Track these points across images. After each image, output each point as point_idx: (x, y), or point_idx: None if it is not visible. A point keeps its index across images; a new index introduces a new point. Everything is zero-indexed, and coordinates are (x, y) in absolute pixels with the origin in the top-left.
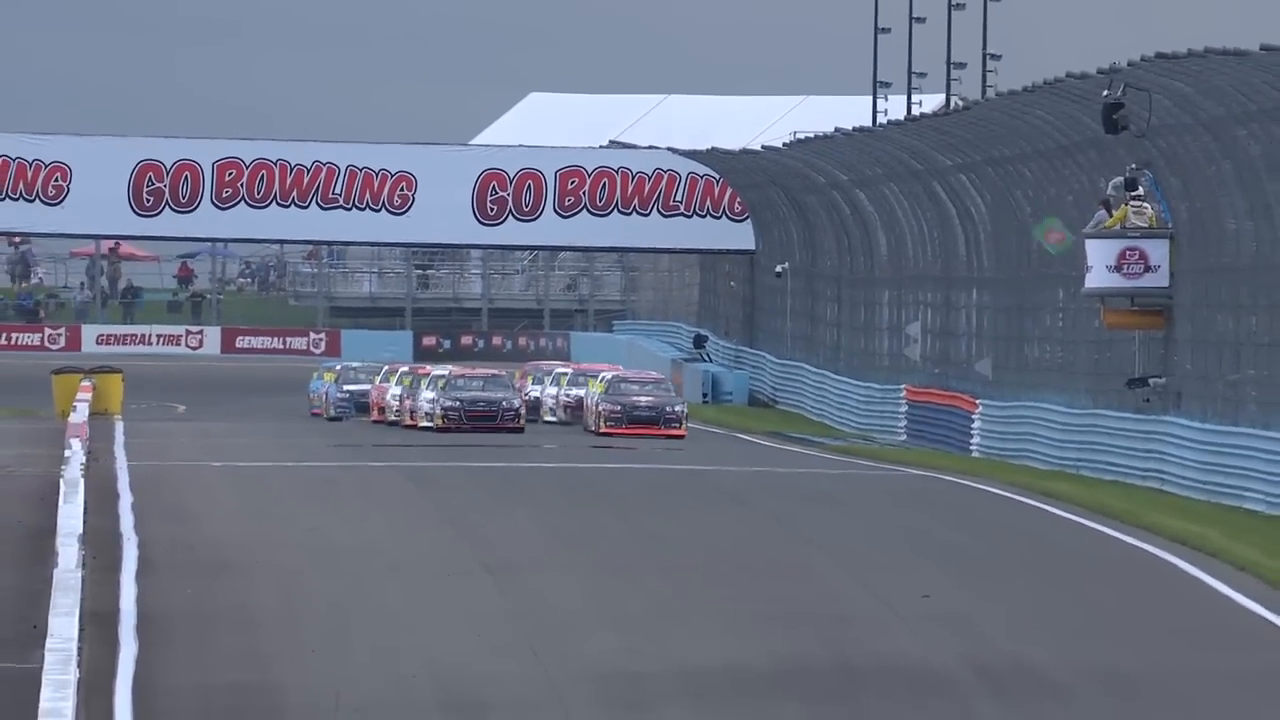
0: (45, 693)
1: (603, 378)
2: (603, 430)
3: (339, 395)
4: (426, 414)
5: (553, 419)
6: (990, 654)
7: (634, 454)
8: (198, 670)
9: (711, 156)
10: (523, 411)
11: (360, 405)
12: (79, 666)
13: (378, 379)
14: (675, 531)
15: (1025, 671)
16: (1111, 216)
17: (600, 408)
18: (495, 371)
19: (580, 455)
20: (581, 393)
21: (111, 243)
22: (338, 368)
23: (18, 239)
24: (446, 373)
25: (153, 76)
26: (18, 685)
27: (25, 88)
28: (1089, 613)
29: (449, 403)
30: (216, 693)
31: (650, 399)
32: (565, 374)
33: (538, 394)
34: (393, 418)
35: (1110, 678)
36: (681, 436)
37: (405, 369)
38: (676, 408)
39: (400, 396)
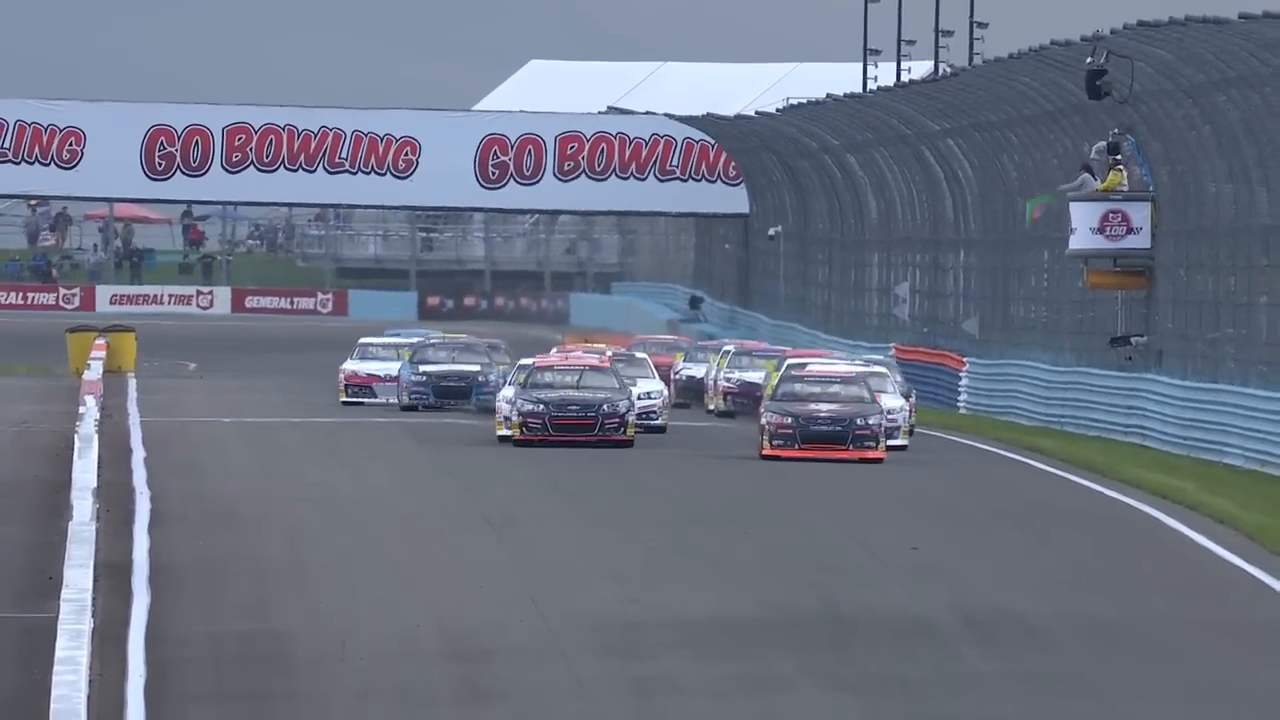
0: (61, 641)
1: (776, 367)
2: (768, 451)
3: (414, 378)
4: (504, 418)
5: (713, 409)
6: (976, 604)
7: None
8: (208, 619)
9: (707, 122)
10: (631, 418)
11: (441, 391)
12: (93, 616)
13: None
14: (671, 486)
15: (1010, 621)
16: (1095, 179)
17: (766, 419)
18: (594, 361)
19: None
20: (748, 376)
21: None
22: (427, 338)
23: (35, 202)
24: (530, 363)
25: (165, 44)
26: (35, 634)
27: (39, 54)
28: (1072, 564)
29: (529, 405)
30: (227, 641)
31: (834, 406)
32: (729, 351)
33: (694, 374)
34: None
35: (1093, 627)
36: (879, 460)
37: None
38: (871, 419)
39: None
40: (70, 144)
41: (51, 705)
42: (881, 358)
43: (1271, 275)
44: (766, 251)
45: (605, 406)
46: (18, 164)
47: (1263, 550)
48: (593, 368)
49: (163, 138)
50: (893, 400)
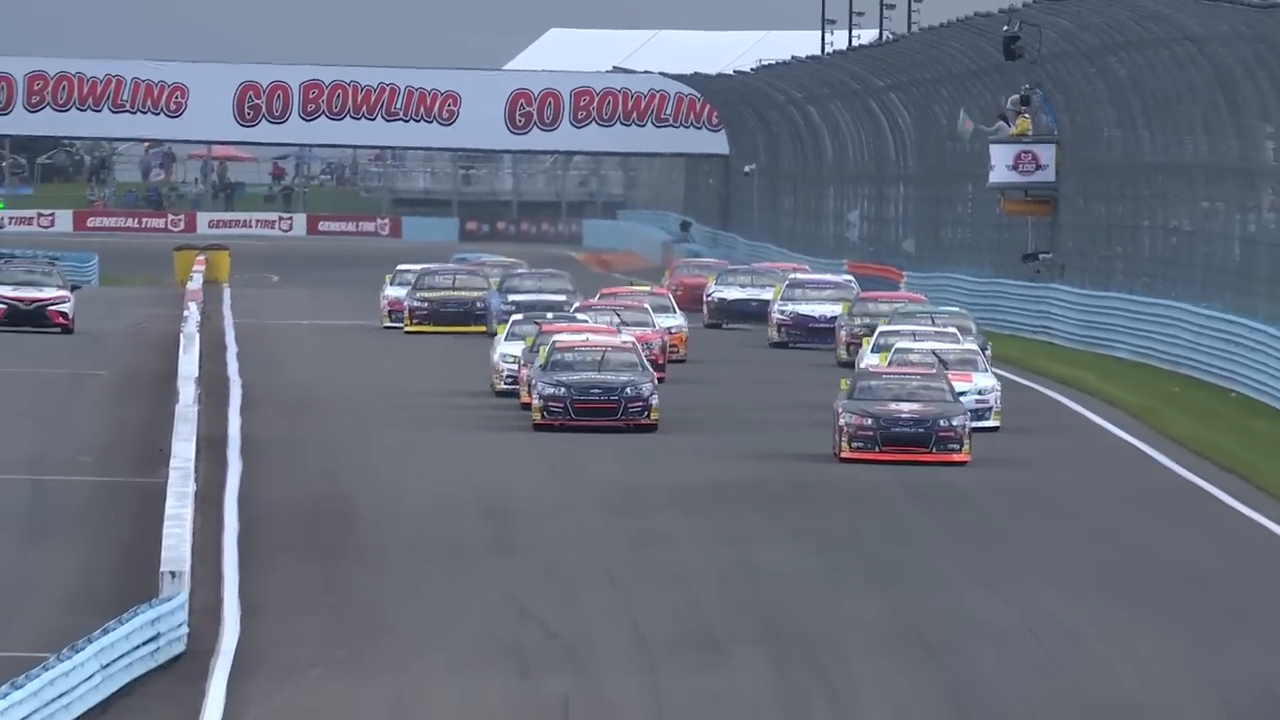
0: (169, 501)
1: (851, 308)
2: (847, 455)
3: (504, 307)
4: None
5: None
6: (914, 473)
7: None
8: (289, 485)
9: (694, 79)
10: (655, 400)
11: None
12: (196, 481)
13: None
14: (666, 385)
15: (942, 487)
16: (1010, 126)
17: (843, 420)
18: (622, 340)
19: None
20: (801, 309)
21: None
22: (508, 264)
23: (148, 144)
24: (551, 339)
25: (248, 13)
26: (148, 495)
27: (149, 22)
28: (992, 441)
29: (550, 389)
30: (303, 502)
31: (917, 405)
32: (785, 277)
33: (724, 296)
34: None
35: (1008, 491)
36: (964, 462)
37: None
38: (955, 420)
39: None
40: (176, 97)
41: (163, 553)
42: (956, 309)
43: (1153, 204)
44: (743, 185)
45: (628, 389)
46: (134, 113)
47: (1148, 428)
48: (615, 348)
49: (251, 92)
50: (984, 379)
